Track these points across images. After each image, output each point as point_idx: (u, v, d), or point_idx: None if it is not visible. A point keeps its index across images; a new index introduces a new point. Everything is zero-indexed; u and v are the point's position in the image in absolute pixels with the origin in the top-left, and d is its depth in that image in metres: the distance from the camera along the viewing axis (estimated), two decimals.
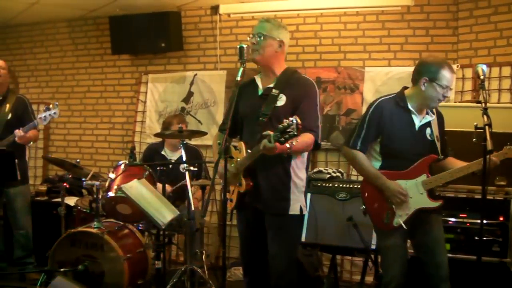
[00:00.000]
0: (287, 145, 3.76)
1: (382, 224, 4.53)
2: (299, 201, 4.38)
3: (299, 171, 4.40)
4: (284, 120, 3.73)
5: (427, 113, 4.54)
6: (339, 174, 6.30)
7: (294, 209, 4.35)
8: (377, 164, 4.55)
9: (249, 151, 4.23)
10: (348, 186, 5.89)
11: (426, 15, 6.92)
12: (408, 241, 4.64)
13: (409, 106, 4.49)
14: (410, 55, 6.97)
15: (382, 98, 4.62)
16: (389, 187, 4.43)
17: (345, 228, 5.60)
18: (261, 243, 4.45)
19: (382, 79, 6.97)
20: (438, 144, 4.53)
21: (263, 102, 4.38)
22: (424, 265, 4.53)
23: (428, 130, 4.52)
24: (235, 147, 4.41)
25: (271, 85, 4.42)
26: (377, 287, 5.53)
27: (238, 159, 4.34)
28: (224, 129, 4.24)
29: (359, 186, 5.69)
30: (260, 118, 4.32)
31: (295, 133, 3.68)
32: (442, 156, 4.56)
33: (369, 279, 6.02)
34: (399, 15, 7.05)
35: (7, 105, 6.57)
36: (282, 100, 4.33)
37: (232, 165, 4.35)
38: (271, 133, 3.84)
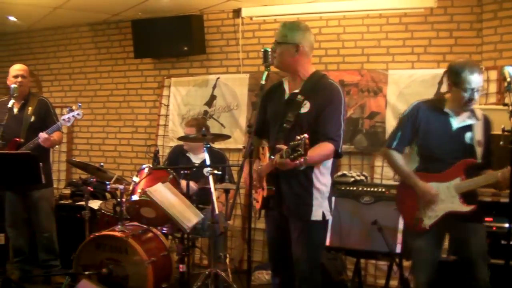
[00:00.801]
0: (297, 162, 3.71)
1: (411, 225, 4.55)
2: (321, 207, 4.31)
3: (322, 177, 4.33)
4: (296, 137, 3.67)
5: (469, 117, 4.49)
6: (363, 178, 6.28)
7: (316, 215, 4.30)
8: (415, 165, 4.56)
9: (272, 157, 4.17)
10: (372, 189, 5.85)
11: (449, 16, 6.87)
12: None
13: (446, 109, 4.48)
14: (433, 57, 6.93)
15: (420, 100, 4.65)
16: (419, 186, 4.45)
17: (370, 232, 5.57)
18: (289, 245, 4.43)
19: (405, 81, 6.91)
20: (478, 149, 4.46)
21: (288, 107, 4.33)
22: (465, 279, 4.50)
23: (468, 134, 4.47)
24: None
25: (297, 90, 4.37)
26: None
27: (262, 164, 4.37)
28: (252, 131, 4.24)
29: (383, 190, 5.74)
30: (284, 125, 4.29)
31: (302, 153, 3.62)
32: (481, 161, 4.47)
33: (394, 283, 5.98)
34: (422, 17, 7.00)
35: (30, 108, 6.60)
36: (306, 107, 4.27)
37: (260, 167, 4.40)
38: (284, 147, 3.82)
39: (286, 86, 4.49)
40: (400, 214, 4.75)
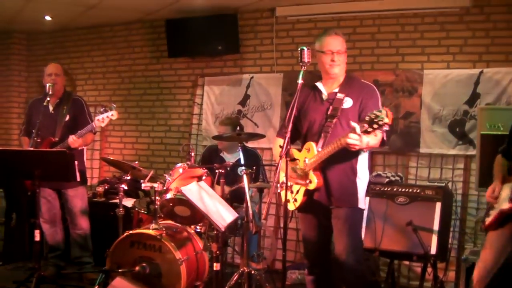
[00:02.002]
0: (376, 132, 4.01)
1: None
2: (363, 197, 4.62)
3: (363, 169, 4.63)
4: (370, 113, 3.90)
5: None
6: (398, 178, 6.25)
7: (361, 204, 4.60)
8: None
9: (319, 149, 4.44)
10: (407, 190, 5.83)
11: (486, 16, 6.78)
12: None
13: None
14: (469, 57, 6.85)
15: None
16: (492, 186, 4.40)
17: (404, 233, 5.54)
18: (325, 243, 4.70)
19: (441, 81, 6.85)
20: None
21: (330, 105, 4.58)
22: None
23: None
24: (299, 149, 4.66)
25: (336, 90, 4.64)
26: None
27: (307, 159, 4.52)
28: (280, 133, 4.77)
29: (418, 190, 5.71)
30: (329, 120, 4.51)
31: (386, 121, 3.83)
32: None
33: (427, 285, 5.93)
34: (458, 17, 6.92)
35: (65, 107, 6.67)
36: (348, 103, 4.55)
37: (297, 166, 4.58)
38: (356, 125, 3.99)
39: (322, 87, 4.74)
40: None
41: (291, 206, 4.73)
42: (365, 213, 4.80)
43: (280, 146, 4.24)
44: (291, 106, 4.31)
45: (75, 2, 7.96)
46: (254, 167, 5.93)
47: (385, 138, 4.51)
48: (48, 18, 8.88)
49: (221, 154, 6.81)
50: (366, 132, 3.95)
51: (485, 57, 6.73)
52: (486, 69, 6.62)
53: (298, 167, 4.59)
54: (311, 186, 4.54)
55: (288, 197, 4.62)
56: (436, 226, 5.50)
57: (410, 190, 5.79)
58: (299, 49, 4.39)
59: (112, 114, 6.34)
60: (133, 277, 5.34)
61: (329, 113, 4.57)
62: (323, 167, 4.50)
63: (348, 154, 4.40)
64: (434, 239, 5.48)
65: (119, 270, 5.37)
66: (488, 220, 4.34)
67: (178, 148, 8.56)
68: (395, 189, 5.86)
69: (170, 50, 8.58)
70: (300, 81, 4.35)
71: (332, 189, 4.53)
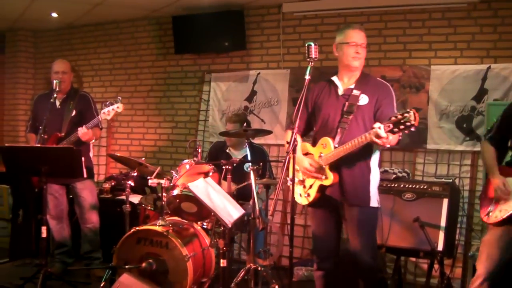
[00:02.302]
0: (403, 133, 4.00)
1: (484, 216, 4.53)
2: (376, 194, 4.63)
3: (376, 166, 4.66)
4: (397, 113, 3.95)
5: None
6: (405, 174, 6.23)
7: (373, 202, 4.60)
8: (508, 159, 4.60)
9: (336, 145, 4.46)
10: (414, 186, 5.80)
11: (493, 11, 6.75)
12: None
13: None
14: (477, 52, 6.82)
15: None
16: (494, 180, 4.47)
17: (411, 229, 5.52)
18: (334, 238, 4.76)
19: (448, 77, 6.84)
20: None
21: (346, 101, 4.60)
22: None
23: None
24: (313, 143, 4.74)
25: (352, 86, 4.65)
26: None
27: (323, 154, 4.53)
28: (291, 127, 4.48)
29: (425, 187, 5.69)
30: (345, 116, 4.54)
31: (413, 123, 3.87)
32: None
33: (434, 281, 5.91)
34: (465, 12, 6.89)
35: (71, 103, 6.69)
36: (364, 100, 4.57)
37: (310, 162, 4.61)
38: (382, 125, 4.01)
39: (338, 83, 4.74)
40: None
41: (303, 201, 4.77)
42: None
43: (288, 142, 4.25)
44: (298, 102, 4.34)
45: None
46: (260, 163, 5.92)
47: (401, 136, 4.47)
48: (54, 15, 8.90)
49: (227, 151, 6.81)
50: (391, 132, 3.98)
51: (493, 52, 6.71)
52: (493, 65, 6.60)
53: (313, 161, 4.61)
54: (327, 182, 4.56)
55: (301, 192, 4.75)
56: (443, 223, 5.49)
57: (417, 186, 5.77)
58: (306, 45, 4.42)
59: (118, 107, 6.35)
60: (139, 274, 5.34)
61: (345, 109, 4.59)
62: (339, 163, 4.50)
63: (364, 151, 4.43)
64: (441, 236, 5.46)
65: (126, 267, 5.37)
66: (499, 216, 4.33)
67: (185, 145, 8.59)
68: (402, 185, 5.84)
69: (177, 47, 8.58)
70: (307, 76, 4.39)
71: (346, 186, 4.55)
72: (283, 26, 7.97)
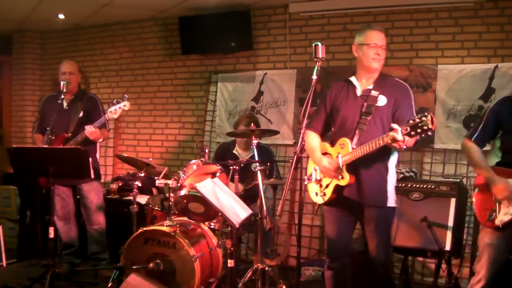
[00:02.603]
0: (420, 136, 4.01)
1: (485, 221, 4.47)
2: (393, 195, 4.64)
3: (393, 167, 4.67)
4: (414, 117, 3.94)
5: None
6: (412, 174, 6.22)
7: (391, 202, 4.61)
8: (495, 160, 4.57)
9: (354, 146, 4.47)
10: (421, 186, 5.79)
11: (500, 10, 6.72)
12: None
13: None
14: (484, 52, 6.80)
15: (505, 95, 4.68)
16: (495, 182, 4.41)
17: (419, 229, 5.51)
18: (347, 238, 4.79)
19: (455, 77, 6.82)
20: None
21: (364, 102, 4.60)
22: None
23: None
24: (331, 143, 4.75)
25: (370, 87, 4.65)
26: None
27: (340, 155, 4.55)
28: (312, 126, 4.89)
29: (432, 186, 5.67)
30: (363, 117, 4.54)
31: (430, 127, 3.86)
32: None
33: (441, 281, 5.90)
34: (472, 11, 6.87)
35: (79, 104, 6.70)
36: (382, 101, 4.57)
37: (329, 161, 4.63)
38: (398, 127, 4.02)
39: (356, 83, 4.75)
40: (474, 208, 4.68)
41: (319, 200, 4.80)
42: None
43: (294, 142, 4.28)
44: (305, 101, 4.37)
45: (88, 0, 7.99)
46: (268, 164, 5.92)
47: (418, 138, 4.47)
48: (61, 16, 8.92)
49: (234, 151, 6.81)
50: (408, 135, 3.98)
51: (500, 51, 6.68)
52: (501, 64, 6.58)
53: (331, 161, 4.62)
54: (343, 182, 4.56)
55: (317, 191, 4.79)
56: (450, 222, 5.47)
57: (425, 186, 5.76)
58: (313, 45, 4.47)
59: (124, 105, 6.37)
60: (147, 274, 5.36)
61: (363, 110, 4.58)
62: (357, 164, 4.51)
63: (382, 152, 4.42)
64: (449, 235, 5.45)
65: (133, 267, 5.38)
66: (505, 219, 4.30)
67: (192, 145, 8.59)
68: (409, 185, 5.83)
69: (183, 47, 8.59)
70: (314, 76, 4.47)
71: (363, 186, 4.55)
72: (290, 26, 7.97)
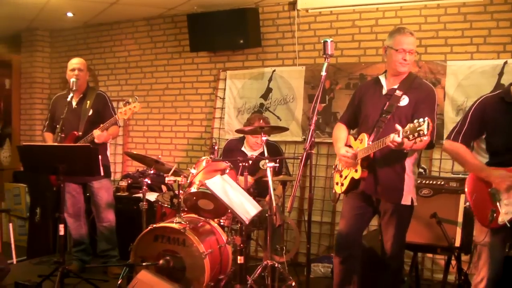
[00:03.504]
0: (415, 141, 4.04)
1: (486, 221, 4.35)
2: (410, 193, 4.72)
3: (412, 166, 4.75)
4: (416, 120, 4.00)
5: None
6: (421, 170, 6.20)
7: (406, 200, 4.70)
8: (484, 161, 4.50)
9: (370, 143, 4.59)
10: (431, 182, 5.77)
11: (510, 6, 6.69)
12: None
13: None
14: (493, 47, 6.77)
15: (486, 95, 4.60)
16: (495, 174, 4.33)
17: (428, 225, 5.50)
18: (359, 228, 4.92)
19: (464, 73, 6.79)
20: None
21: (387, 101, 4.72)
22: None
23: None
24: (355, 137, 4.94)
25: (395, 86, 4.74)
26: (460, 287, 5.43)
27: (358, 149, 4.70)
28: (342, 119, 5.18)
29: (442, 182, 5.66)
30: (384, 115, 4.66)
31: (425, 133, 3.92)
32: None
33: (451, 278, 5.89)
34: (481, 7, 6.84)
35: (88, 102, 6.71)
36: (405, 101, 4.68)
37: (347, 150, 4.78)
38: (401, 129, 4.10)
39: (384, 82, 4.85)
40: (472, 210, 4.58)
41: (337, 189, 5.01)
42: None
43: (304, 139, 4.31)
44: (315, 98, 4.40)
45: None
46: (277, 160, 5.93)
47: (433, 141, 4.62)
48: (70, 14, 8.94)
49: (242, 149, 6.81)
50: (407, 138, 4.04)
51: (510, 47, 6.66)
52: (510, 60, 6.55)
53: (350, 151, 4.77)
54: (356, 176, 4.72)
55: (337, 180, 4.99)
56: (460, 218, 5.45)
57: (434, 182, 5.74)
58: (322, 41, 4.50)
59: (134, 106, 6.39)
60: (157, 271, 5.39)
61: (384, 108, 4.70)
62: (374, 159, 4.66)
63: (399, 151, 4.46)
64: (458, 232, 5.42)
65: (143, 264, 5.41)
66: (506, 218, 4.26)
67: (201, 142, 8.63)
68: (418, 181, 5.78)
69: (192, 45, 8.59)
70: (323, 73, 4.48)
71: (379, 183, 4.69)
72: (298, 23, 7.95)
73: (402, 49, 4.67)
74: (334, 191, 5.16)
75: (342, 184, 4.93)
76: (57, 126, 6.44)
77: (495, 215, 4.28)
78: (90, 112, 6.68)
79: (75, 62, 6.77)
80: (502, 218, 4.24)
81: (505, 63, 6.54)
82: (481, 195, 4.42)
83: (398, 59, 4.68)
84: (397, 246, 4.78)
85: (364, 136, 4.71)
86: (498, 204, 4.28)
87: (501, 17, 6.73)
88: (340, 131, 5.10)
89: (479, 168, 4.47)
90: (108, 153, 6.99)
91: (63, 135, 6.41)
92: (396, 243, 4.76)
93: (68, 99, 6.51)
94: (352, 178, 4.77)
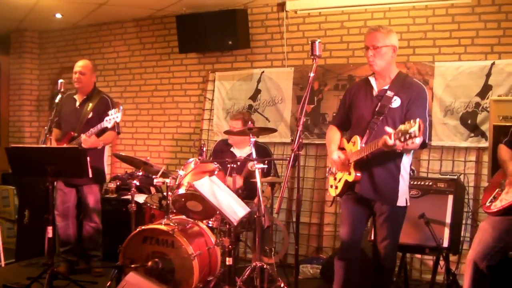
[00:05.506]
0: (405, 143, 4.01)
1: (484, 204, 4.58)
2: (405, 194, 4.72)
3: (407, 166, 4.74)
4: (407, 122, 3.99)
5: None
6: (410, 171, 6.21)
7: (401, 201, 4.70)
8: None
9: (362, 145, 4.59)
10: (419, 183, 5.80)
11: (497, 7, 6.72)
12: None
13: None
14: (481, 48, 6.80)
15: None
16: (509, 168, 4.47)
17: (416, 226, 5.52)
18: (358, 230, 4.87)
19: (452, 73, 6.81)
20: None
21: (378, 102, 4.69)
22: None
23: None
24: (347, 140, 4.89)
25: (386, 87, 4.71)
26: (448, 287, 5.44)
27: (351, 151, 4.69)
28: (334, 121, 5.14)
29: (430, 183, 5.70)
30: (376, 116, 4.63)
31: (417, 134, 3.90)
32: None
33: (440, 278, 5.91)
34: (469, 8, 6.87)
35: (90, 104, 6.76)
36: (396, 102, 4.63)
37: (339, 155, 4.77)
38: (393, 131, 4.09)
39: (374, 83, 4.80)
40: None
41: (331, 192, 4.99)
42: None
43: (292, 140, 4.31)
44: (303, 99, 4.41)
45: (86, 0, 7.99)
46: (265, 162, 5.93)
47: (426, 141, 4.60)
48: (59, 16, 8.92)
49: (231, 150, 6.82)
50: (399, 140, 4.02)
51: (497, 48, 6.69)
52: (498, 61, 6.58)
53: (342, 155, 4.77)
54: (349, 178, 4.70)
55: (331, 183, 4.96)
56: (448, 219, 5.49)
57: (422, 183, 5.77)
58: (310, 42, 4.47)
59: (117, 116, 6.39)
60: (146, 273, 5.37)
61: (376, 110, 4.67)
62: (368, 161, 4.62)
63: (394, 152, 4.45)
64: (447, 232, 5.45)
65: (132, 266, 5.41)
66: (498, 205, 4.35)
67: (190, 144, 8.62)
68: None
69: (181, 46, 8.58)
70: (312, 74, 4.46)
71: (374, 184, 4.67)
72: (287, 24, 7.96)
73: (366, 46, 4.68)
74: (328, 194, 5.15)
75: (336, 187, 4.91)
76: (57, 123, 6.59)
77: (493, 200, 4.45)
78: (90, 115, 6.70)
79: (77, 65, 6.90)
80: (494, 204, 4.34)
81: (493, 64, 6.57)
82: (495, 181, 4.63)
83: (367, 57, 4.69)
84: (391, 247, 4.79)
85: (356, 138, 4.69)
86: (500, 190, 4.46)
87: (489, 19, 6.76)
88: (333, 134, 5.08)
89: (503, 162, 4.59)
90: (105, 157, 6.97)
91: (50, 137, 6.40)
92: (391, 244, 4.78)
93: (75, 97, 6.66)
94: (346, 181, 4.76)
